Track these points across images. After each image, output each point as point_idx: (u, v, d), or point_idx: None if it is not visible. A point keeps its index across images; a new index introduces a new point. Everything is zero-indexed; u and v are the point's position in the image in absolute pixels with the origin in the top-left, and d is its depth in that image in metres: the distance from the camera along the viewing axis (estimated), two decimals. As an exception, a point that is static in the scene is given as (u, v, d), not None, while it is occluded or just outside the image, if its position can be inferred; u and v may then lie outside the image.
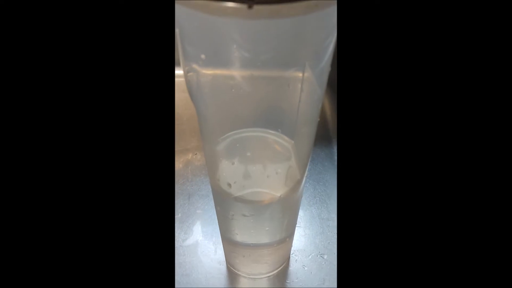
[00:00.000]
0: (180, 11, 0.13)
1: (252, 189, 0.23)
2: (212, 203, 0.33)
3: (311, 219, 0.33)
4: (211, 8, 0.11)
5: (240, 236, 0.25)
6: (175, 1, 0.12)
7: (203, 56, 0.15)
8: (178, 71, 0.21)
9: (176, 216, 0.33)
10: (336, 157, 0.38)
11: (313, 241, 0.31)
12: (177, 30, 0.14)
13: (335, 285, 0.28)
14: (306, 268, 0.29)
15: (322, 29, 0.14)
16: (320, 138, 0.40)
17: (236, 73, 0.16)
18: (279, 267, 0.29)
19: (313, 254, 0.30)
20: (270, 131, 0.22)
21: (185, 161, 0.39)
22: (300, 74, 0.17)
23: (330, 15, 0.14)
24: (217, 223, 0.26)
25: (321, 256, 0.30)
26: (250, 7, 0.11)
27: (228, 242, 0.27)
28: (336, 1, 0.12)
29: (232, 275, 0.29)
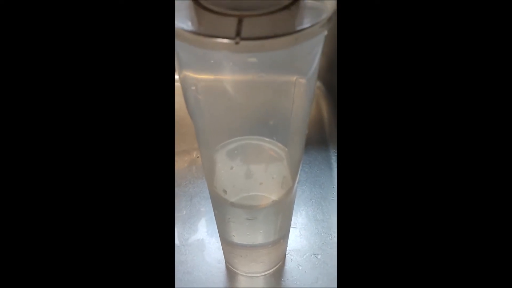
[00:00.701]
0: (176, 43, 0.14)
1: (248, 194, 0.24)
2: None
3: (307, 220, 0.34)
4: (202, 43, 0.13)
5: (237, 237, 0.26)
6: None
7: (193, 88, 0.16)
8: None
9: (179, 214, 0.35)
10: (332, 160, 0.40)
11: (308, 241, 0.33)
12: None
13: (328, 284, 0.30)
14: (300, 268, 0.31)
15: (306, 55, 0.16)
16: (317, 142, 0.41)
17: (231, 87, 0.17)
18: (275, 266, 0.31)
19: (307, 254, 0.32)
20: (266, 139, 0.23)
21: (188, 161, 0.41)
22: (292, 87, 0.18)
23: (312, 44, 0.15)
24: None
25: (315, 256, 0.32)
26: (237, 43, 0.12)
27: (227, 243, 0.28)
28: (322, 30, 0.14)
29: (230, 274, 0.31)
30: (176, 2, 0.14)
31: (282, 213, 0.25)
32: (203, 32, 0.13)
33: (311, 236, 0.33)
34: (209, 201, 0.36)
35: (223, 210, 0.24)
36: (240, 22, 0.13)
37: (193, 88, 0.17)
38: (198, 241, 0.33)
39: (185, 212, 0.35)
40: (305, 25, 0.13)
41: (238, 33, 0.12)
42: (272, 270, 0.31)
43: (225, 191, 0.23)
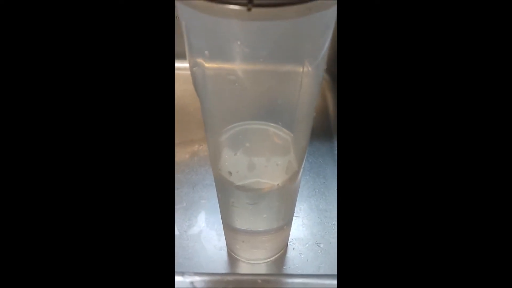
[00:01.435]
0: (183, 9, 0.14)
1: (253, 179, 0.24)
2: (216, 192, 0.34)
3: (309, 210, 0.34)
4: (212, 10, 0.12)
5: (240, 223, 0.26)
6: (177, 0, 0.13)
7: (206, 53, 0.16)
8: (185, 64, 0.22)
9: (181, 205, 0.35)
10: (336, 151, 0.39)
11: (310, 230, 0.32)
12: (183, 23, 0.15)
13: (329, 272, 0.29)
14: (302, 256, 0.31)
15: (317, 29, 0.15)
16: (321, 133, 0.41)
17: (239, 68, 0.17)
18: (277, 254, 0.31)
19: (310, 243, 0.32)
20: (271, 124, 0.23)
21: (191, 152, 0.40)
22: (300, 70, 0.18)
23: (324, 16, 0.15)
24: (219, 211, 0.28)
25: (317, 245, 0.31)
26: (249, 9, 0.12)
27: (229, 228, 0.28)
28: (334, 2, 0.13)
29: (232, 260, 0.31)
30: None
31: (286, 199, 0.25)
32: (214, -1, 0.12)
33: (313, 225, 0.33)
34: (211, 188, 0.35)
35: (227, 193, 0.24)
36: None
37: (200, 70, 0.17)
38: (199, 230, 0.33)
39: (185, 204, 0.35)
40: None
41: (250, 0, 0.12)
42: (274, 257, 0.31)
43: (230, 173, 0.22)
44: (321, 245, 0.31)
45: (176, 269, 0.27)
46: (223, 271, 0.30)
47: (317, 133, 0.41)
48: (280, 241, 0.30)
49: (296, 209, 0.34)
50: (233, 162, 0.24)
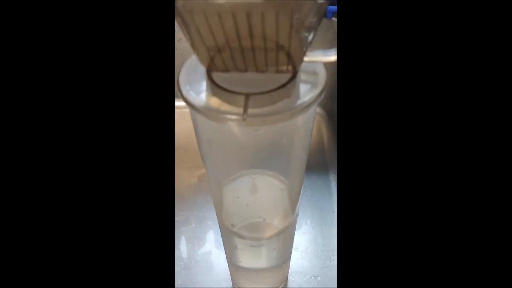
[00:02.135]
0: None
1: (251, 221, 0.27)
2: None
3: (307, 243, 0.37)
4: (216, 118, 0.16)
5: (243, 263, 0.29)
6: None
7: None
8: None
9: (190, 226, 0.38)
10: (332, 185, 0.42)
11: (309, 263, 0.35)
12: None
13: (326, 304, 0.32)
14: (301, 288, 0.33)
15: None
16: (318, 167, 0.44)
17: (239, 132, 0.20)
18: (278, 287, 0.33)
19: (308, 276, 0.34)
20: (269, 172, 0.26)
21: (199, 175, 0.43)
22: (294, 132, 0.21)
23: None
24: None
25: (315, 278, 0.34)
26: (244, 119, 0.15)
27: (233, 266, 0.31)
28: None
29: None
30: (193, 76, 0.17)
31: (284, 240, 0.28)
32: (216, 109, 0.16)
33: (311, 258, 0.36)
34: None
35: (230, 239, 0.27)
36: (247, 99, 0.16)
37: (206, 137, 0.20)
38: (205, 254, 0.36)
39: (193, 224, 0.38)
40: (300, 100, 0.16)
41: (245, 110, 0.15)
42: (275, 290, 0.33)
43: (233, 225, 0.25)
44: (319, 278, 0.34)
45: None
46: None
47: (313, 167, 0.44)
48: (281, 276, 0.33)
49: (295, 243, 0.36)
50: (235, 210, 0.27)
